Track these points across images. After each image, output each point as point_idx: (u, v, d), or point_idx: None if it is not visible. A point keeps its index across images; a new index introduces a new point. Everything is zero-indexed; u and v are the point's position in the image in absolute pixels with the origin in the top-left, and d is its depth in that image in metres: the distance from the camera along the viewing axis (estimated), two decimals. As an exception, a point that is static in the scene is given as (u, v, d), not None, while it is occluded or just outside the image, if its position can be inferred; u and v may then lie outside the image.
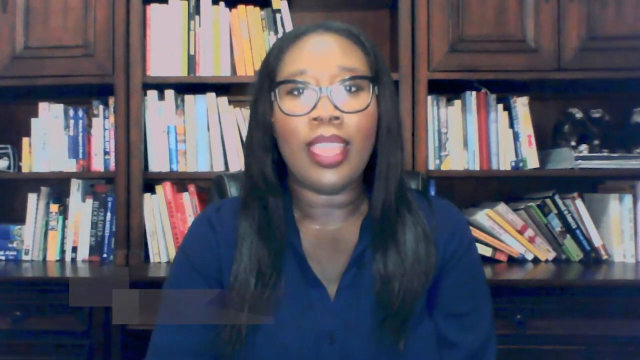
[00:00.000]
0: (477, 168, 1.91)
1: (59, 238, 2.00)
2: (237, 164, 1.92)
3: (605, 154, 1.87)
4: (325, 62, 0.81)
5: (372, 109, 0.82)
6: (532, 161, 1.91)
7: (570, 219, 1.90)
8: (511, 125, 1.92)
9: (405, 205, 0.87)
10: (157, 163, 1.93)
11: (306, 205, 0.89)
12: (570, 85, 2.00)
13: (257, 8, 1.94)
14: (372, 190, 0.87)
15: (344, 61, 0.81)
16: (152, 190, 1.94)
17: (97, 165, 1.97)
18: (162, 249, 1.92)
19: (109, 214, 1.97)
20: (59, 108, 1.99)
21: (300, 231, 0.88)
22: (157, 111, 1.94)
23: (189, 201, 1.94)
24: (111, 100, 1.95)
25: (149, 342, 0.88)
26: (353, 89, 0.81)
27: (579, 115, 1.95)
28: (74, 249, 1.98)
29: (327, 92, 0.79)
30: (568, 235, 1.90)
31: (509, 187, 2.13)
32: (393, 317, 0.81)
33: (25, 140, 2.00)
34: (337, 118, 0.79)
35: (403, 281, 0.82)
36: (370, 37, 0.88)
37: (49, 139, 1.98)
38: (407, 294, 0.82)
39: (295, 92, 0.81)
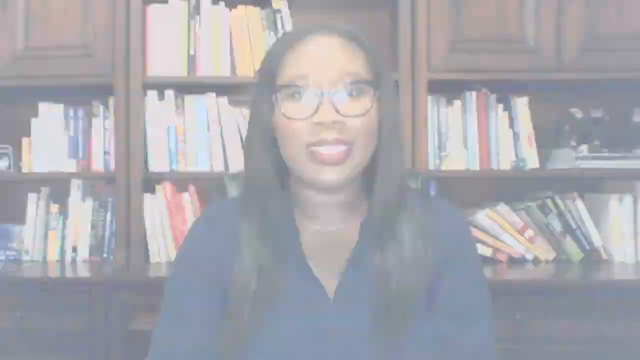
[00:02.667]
0: (477, 168, 1.91)
1: (59, 238, 1.99)
2: (237, 164, 1.92)
3: (605, 154, 1.87)
4: (327, 65, 0.81)
5: (374, 111, 0.82)
6: (532, 161, 1.91)
7: (570, 219, 1.90)
8: (511, 125, 1.92)
9: (403, 203, 0.87)
10: (157, 163, 1.93)
11: (307, 205, 0.89)
12: (570, 85, 2.00)
13: (257, 8, 1.94)
14: (371, 190, 0.87)
15: (346, 65, 0.81)
16: (152, 190, 1.94)
17: (97, 165, 1.97)
18: (162, 249, 1.92)
19: (109, 214, 1.97)
20: (59, 108, 1.98)
21: (301, 231, 0.88)
22: (157, 111, 1.94)
23: (189, 201, 1.94)
24: (111, 101, 1.95)
25: (149, 342, 0.88)
26: (354, 92, 0.81)
27: (579, 115, 1.95)
28: (74, 249, 1.98)
29: (329, 96, 0.79)
30: (568, 236, 1.90)
31: (509, 187, 2.12)
32: (391, 313, 0.81)
33: (25, 140, 1.99)
34: (338, 122, 0.79)
35: (401, 277, 0.82)
36: (370, 37, 0.87)
37: (49, 139, 1.98)
38: (404, 290, 0.82)
39: (297, 95, 0.81)
